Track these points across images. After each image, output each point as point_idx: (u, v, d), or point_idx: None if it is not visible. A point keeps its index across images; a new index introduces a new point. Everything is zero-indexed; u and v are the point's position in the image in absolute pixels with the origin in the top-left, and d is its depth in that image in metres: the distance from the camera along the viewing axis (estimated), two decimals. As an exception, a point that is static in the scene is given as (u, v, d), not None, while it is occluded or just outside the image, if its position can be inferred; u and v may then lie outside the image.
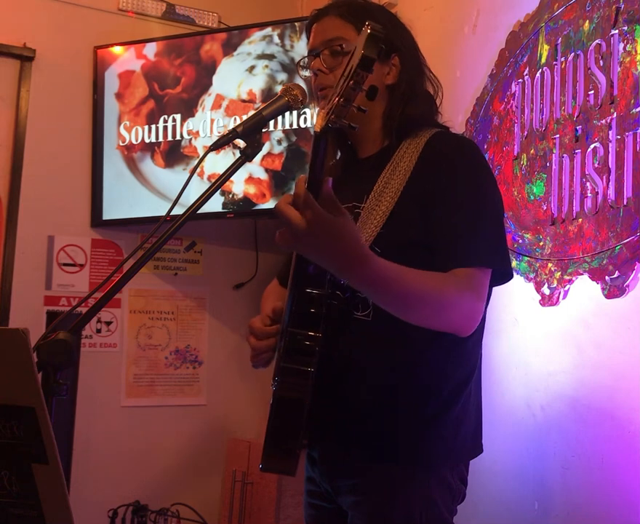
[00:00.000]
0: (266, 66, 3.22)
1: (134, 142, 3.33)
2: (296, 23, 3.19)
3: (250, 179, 3.23)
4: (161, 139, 3.30)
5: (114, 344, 3.36)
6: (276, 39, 3.22)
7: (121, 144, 3.33)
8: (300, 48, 3.14)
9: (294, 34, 3.19)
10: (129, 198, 3.31)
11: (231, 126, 3.18)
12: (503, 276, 1.42)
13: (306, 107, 2.99)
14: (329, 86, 1.49)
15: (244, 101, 3.25)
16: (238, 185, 3.24)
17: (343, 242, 1.13)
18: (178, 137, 3.29)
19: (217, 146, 1.41)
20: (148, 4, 3.47)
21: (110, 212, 3.32)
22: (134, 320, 3.41)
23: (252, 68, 3.24)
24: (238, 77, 3.25)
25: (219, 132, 3.25)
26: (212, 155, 1.42)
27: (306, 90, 1.49)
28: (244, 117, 3.19)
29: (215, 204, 3.17)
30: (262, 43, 3.23)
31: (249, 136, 1.41)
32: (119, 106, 3.35)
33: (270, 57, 3.23)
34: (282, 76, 3.21)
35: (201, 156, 1.41)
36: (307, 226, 1.11)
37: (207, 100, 3.29)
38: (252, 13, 3.44)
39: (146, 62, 3.35)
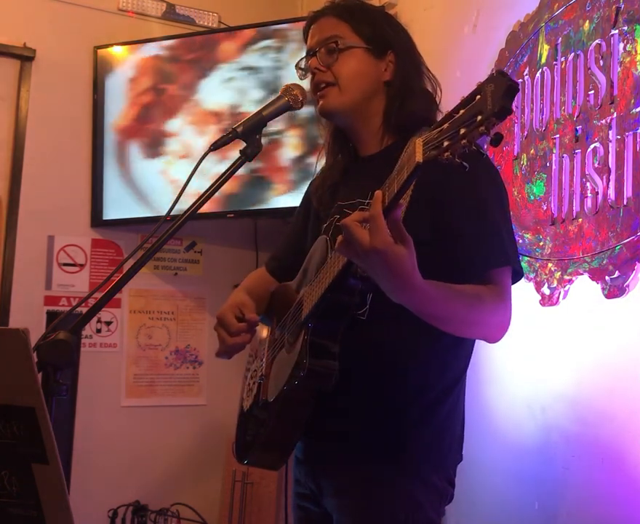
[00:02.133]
0: (242, 79, 3.15)
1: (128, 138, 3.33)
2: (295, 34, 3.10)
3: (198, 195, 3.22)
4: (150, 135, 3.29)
5: (114, 344, 3.36)
6: (272, 53, 3.14)
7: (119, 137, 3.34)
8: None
9: (298, 50, 2.96)
10: (128, 198, 3.32)
11: (186, 135, 3.16)
12: (515, 275, 1.44)
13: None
14: (329, 82, 1.50)
15: (212, 113, 3.19)
16: (190, 196, 3.21)
17: (399, 270, 1.15)
18: (159, 135, 3.28)
19: (216, 147, 1.41)
20: (148, 4, 3.47)
21: (110, 212, 3.32)
22: (134, 320, 3.41)
23: (230, 79, 3.18)
24: (218, 86, 3.20)
25: (180, 141, 3.21)
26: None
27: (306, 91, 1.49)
28: (210, 127, 3.11)
29: (215, 204, 3.17)
30: (257, 54, 3.15)
31: (249, 136, 1.41)
32: (119, 106, 3.35)
33: (255, 70, 3.14)
34: (255, 94, 3.12)
35: (200, 156, 1.40)
36: (371, 250, 1.12)
37: (187, 105, 3.26)
38: (252, 13, 3.44)
39: (146, 62, 3.34)
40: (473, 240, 1.38)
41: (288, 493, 1.66)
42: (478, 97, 0.99)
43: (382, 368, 1.43)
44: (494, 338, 1.40)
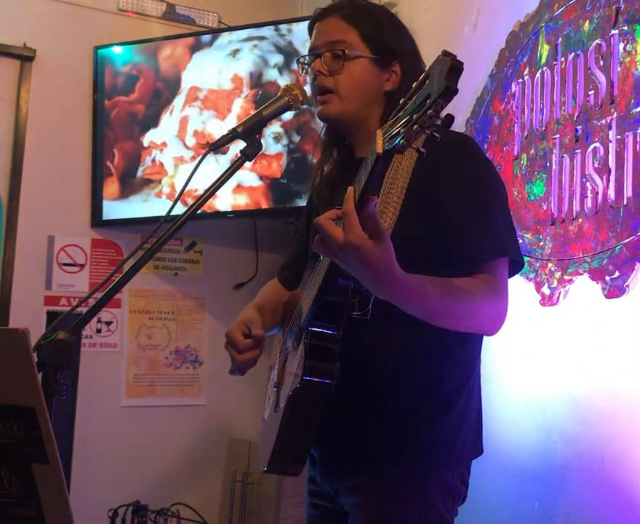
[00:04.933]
0: (255, 46, 2.95)
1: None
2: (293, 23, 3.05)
3: (239, 188, 2.99)
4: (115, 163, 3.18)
5: (114, 344, 3.35)
6: (266, 29, 2.99)
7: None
8: (300, 32, 2.82)
9: (302, 45, 2.87)
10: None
11: (212, 120, 2.96)
12: (516, 265, 1.43)
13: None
14: (329, 88, 1.50)
15: (227, 89, 2.99)
16: (224, 200, 2.96)
17: (375, 263, 1.15)
18: (135, 160, 3.17)
19: (216, 147, 1.41)
20: (148, 4, 3.47)
21: (110, 212, 3.32)
22: (134, 320, 3.41)
23: (235, 52, 3.01)
24: (218, 65, 3.04)
25: (195, 131, 3.09)
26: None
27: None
28: (234, 108, 2.90)
29: (215, 204, 3.17)
30: (248, 30, 2.99)
31: (249, 136, 1.41)
32: (118, 106, 3.35)
33: (261, 38, 2.99)
34: (276, 58, 2.93)
35: (199, 158, 1.40)
36: (345, 245, 1.13)
37: (177, 101, 3.18)
38: (252, 13, 3.43)
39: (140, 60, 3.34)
40: (466, 233, 1.37)
41: None
42: (428, 81, 1.00)
43: (389, 368, 1.43)
44: (489, 330, 1.39)
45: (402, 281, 1.19)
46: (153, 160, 3.20)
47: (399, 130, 1.03)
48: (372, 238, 1.13)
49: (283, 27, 2.96)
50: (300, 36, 2.83)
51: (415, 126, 1.00)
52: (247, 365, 1.55)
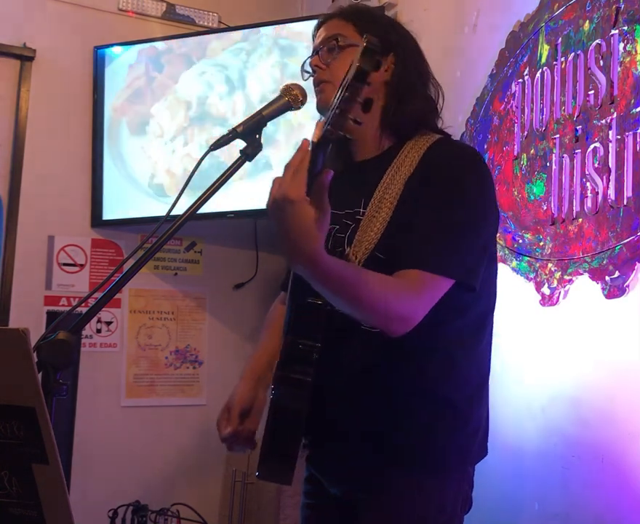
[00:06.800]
0: (212, 74, 3.24)
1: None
2: (280, 39, 3.15)
3: (168, 172, 3.29)
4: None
5: (114, 344, 3.36)
6: (243, 56, 3.21)
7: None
8: (264, 69, 3.13)
9: (266, 54, 3.15)
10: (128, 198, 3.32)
11: (163, 119, 3.28)
12: (466, 287, 1.38)
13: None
14: (326, 80, 1.51)
15: (182, 101, 3.28)
16: (161, 172, 3.29)
17: (305, 230, 1.11)
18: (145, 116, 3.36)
19: (217, 146, 1.41)
20: (148, 4, 3.47)
21: (110, 212, 3.32)
22: (134, 320, 3.41)
23: (202, 73, 3.27)
24: (193, 78, 3.28)
25: (158, 122, 3.30)
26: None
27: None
28: (180, 113, 3.23)
29: (215, 204, 3.17)
30: (231, 53, 3.24)
31: (249, 136, 1.41)
32: (118, 105, 3.35)
33: (224, 67, 3.22)
34: (220, 88, 3.21)
35: (200, 156, 1.40)
36: (282, 198, 1.10)
37: (169, 91, 3.35)
38: (252, 13, 3.44)
39: (147, 59, 3.35)
40: (415, 235, 1.34)
41: None
42: (349, 68, 1.04)
43: (403, 376, 1.42)
44: (394, 329, 1.30)
45: (323, 256, 1.15)
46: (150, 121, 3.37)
47: (329, 116, 1.05)
48: (313, 206, 1.10)
49: (252, 60, 3.20)
50: (264, 73, 3.17)
51: (337, 111, 1.01)
52: (240, 446, 1.56)
